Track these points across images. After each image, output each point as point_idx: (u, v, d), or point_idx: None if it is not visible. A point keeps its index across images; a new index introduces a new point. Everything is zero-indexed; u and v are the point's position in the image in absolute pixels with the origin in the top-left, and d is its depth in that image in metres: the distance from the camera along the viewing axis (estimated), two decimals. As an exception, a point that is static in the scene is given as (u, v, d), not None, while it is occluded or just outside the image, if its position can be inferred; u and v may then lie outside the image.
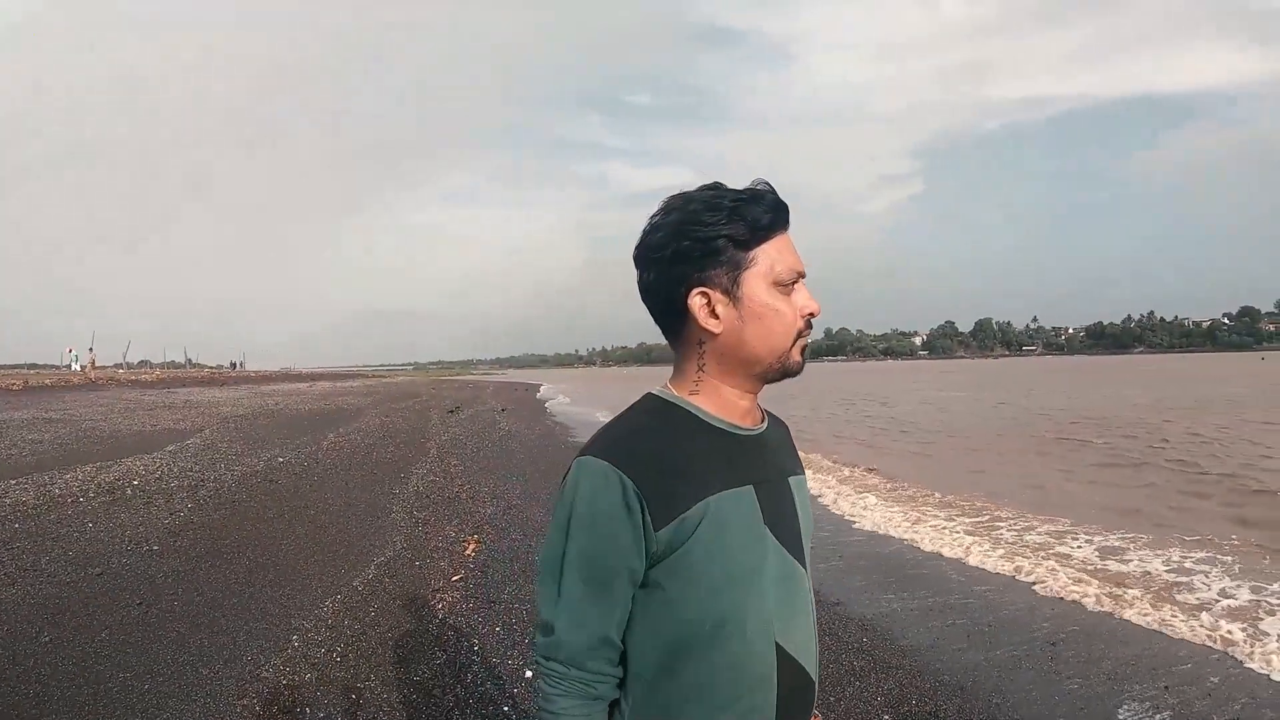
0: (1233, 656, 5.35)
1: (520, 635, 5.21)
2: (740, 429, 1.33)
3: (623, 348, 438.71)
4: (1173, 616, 6.14)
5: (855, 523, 9.79)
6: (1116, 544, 8.68)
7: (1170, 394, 38.92)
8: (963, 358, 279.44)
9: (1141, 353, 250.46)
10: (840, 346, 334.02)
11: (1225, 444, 18.10)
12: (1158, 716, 4.44)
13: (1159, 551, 8.26)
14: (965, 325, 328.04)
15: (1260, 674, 5.05)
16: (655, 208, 1.33)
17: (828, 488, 12.44)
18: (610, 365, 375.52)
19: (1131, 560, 7.93)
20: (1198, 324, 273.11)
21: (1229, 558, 7.98)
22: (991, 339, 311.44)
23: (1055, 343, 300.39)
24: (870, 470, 14.76)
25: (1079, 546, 8.55)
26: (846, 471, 14.67)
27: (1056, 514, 10.31)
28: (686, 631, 1.24)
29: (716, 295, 1.27)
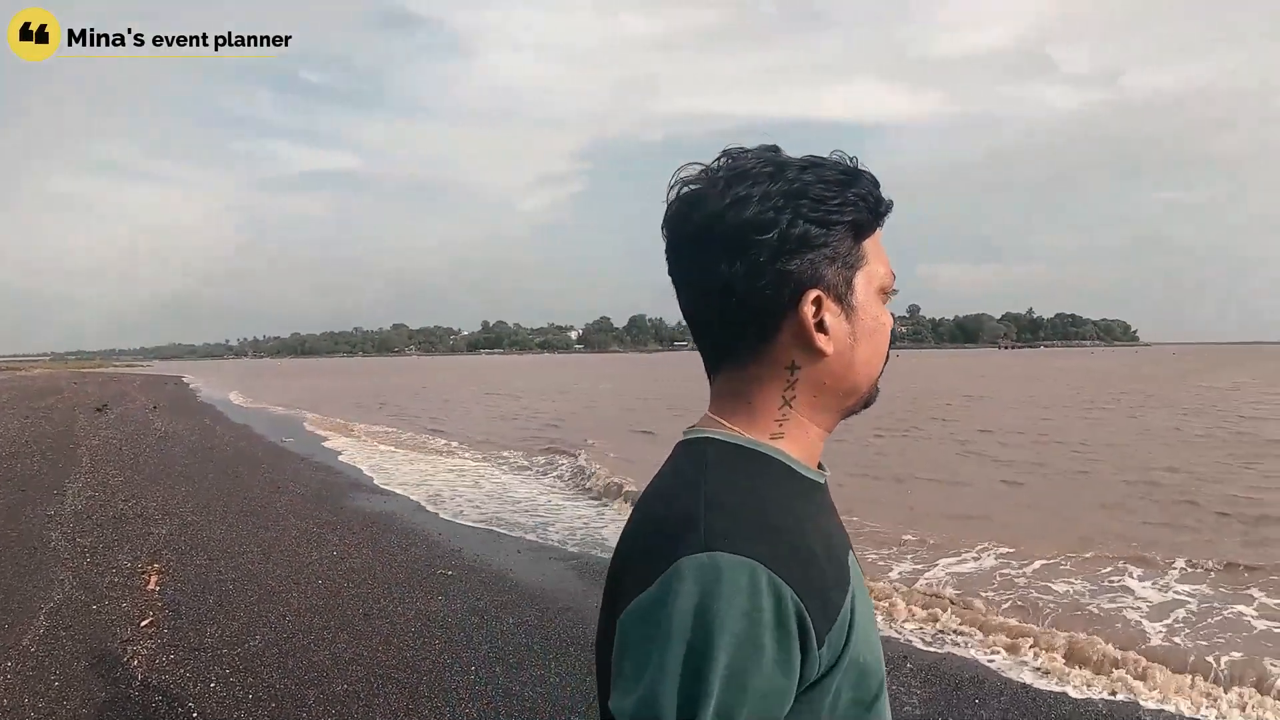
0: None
1: (241, 690, 4.52)
2: (822, 479, 0.98)
3: (276, 338, 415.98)
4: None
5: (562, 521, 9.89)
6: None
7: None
8: (617, 352, 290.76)
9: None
10: (498, 340, 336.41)
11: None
12: (913, 684, 4.78)
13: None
14: (620, 320, 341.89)
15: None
16: (685, 169, 0.94)
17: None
18: (263, 356, 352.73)
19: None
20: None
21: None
22: (645, 334, 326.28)
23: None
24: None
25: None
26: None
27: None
28: None
29: (829, 302, 0.91)
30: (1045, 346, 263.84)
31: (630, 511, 0.98)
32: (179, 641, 5.27)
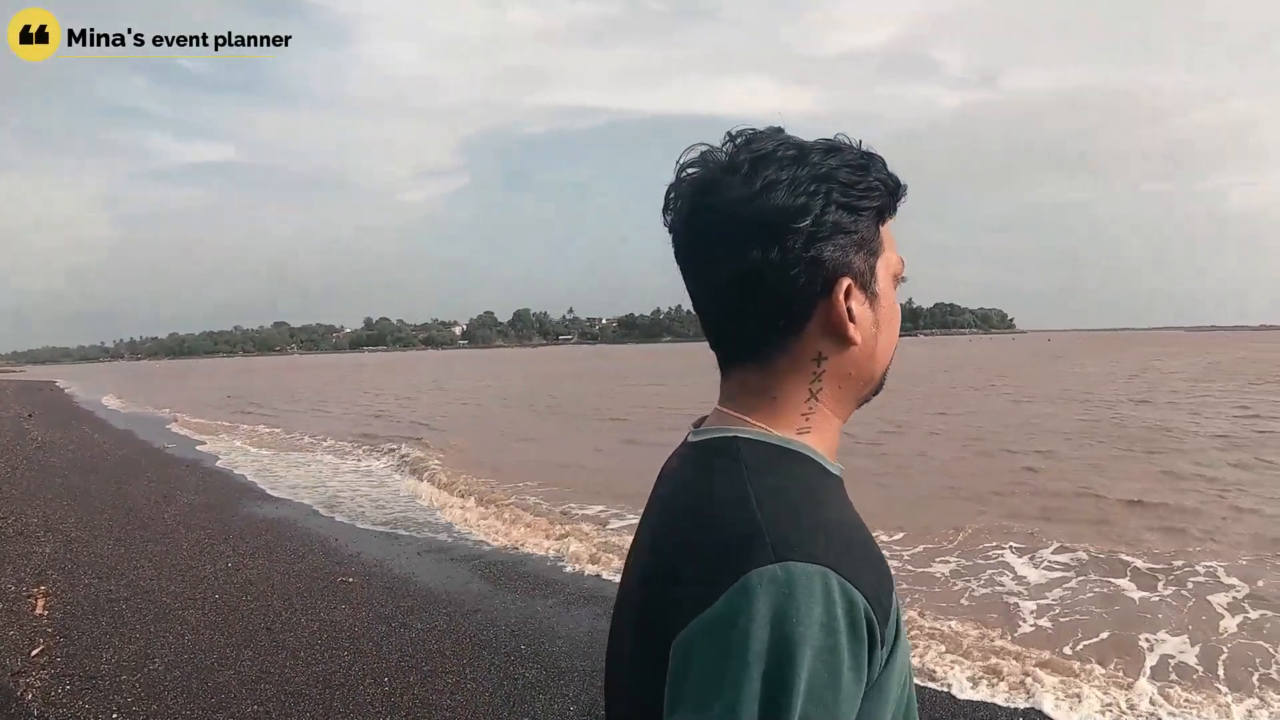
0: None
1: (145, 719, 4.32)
2: (840, 471, 0.92)
3: (153, 339, 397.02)
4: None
5: (453, 524, 9.72)
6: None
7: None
8: (501, 346, 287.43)
9: (669, 342, 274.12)
10: (381, 337, 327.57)
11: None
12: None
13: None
14: (504, 315, 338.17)
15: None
16: (691, 151, 0.89)
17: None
18: (140, 358, 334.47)
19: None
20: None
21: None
22: (529, 328, 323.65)
23: (590, 332, 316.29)
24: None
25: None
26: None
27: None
28: None
29: (856, 290, 0.87)
30: (924, 335, 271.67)
31: (650, 520, 0.93)
32: (74, 670, 4.95)
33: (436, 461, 14.38)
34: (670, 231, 0.91)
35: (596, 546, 8.11)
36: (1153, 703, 4.73)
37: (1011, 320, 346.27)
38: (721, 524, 0.79)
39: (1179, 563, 7.38)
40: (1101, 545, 8.03)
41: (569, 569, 7.44)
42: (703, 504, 0.83)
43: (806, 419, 0.89)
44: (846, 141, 0.89)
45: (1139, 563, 7.44)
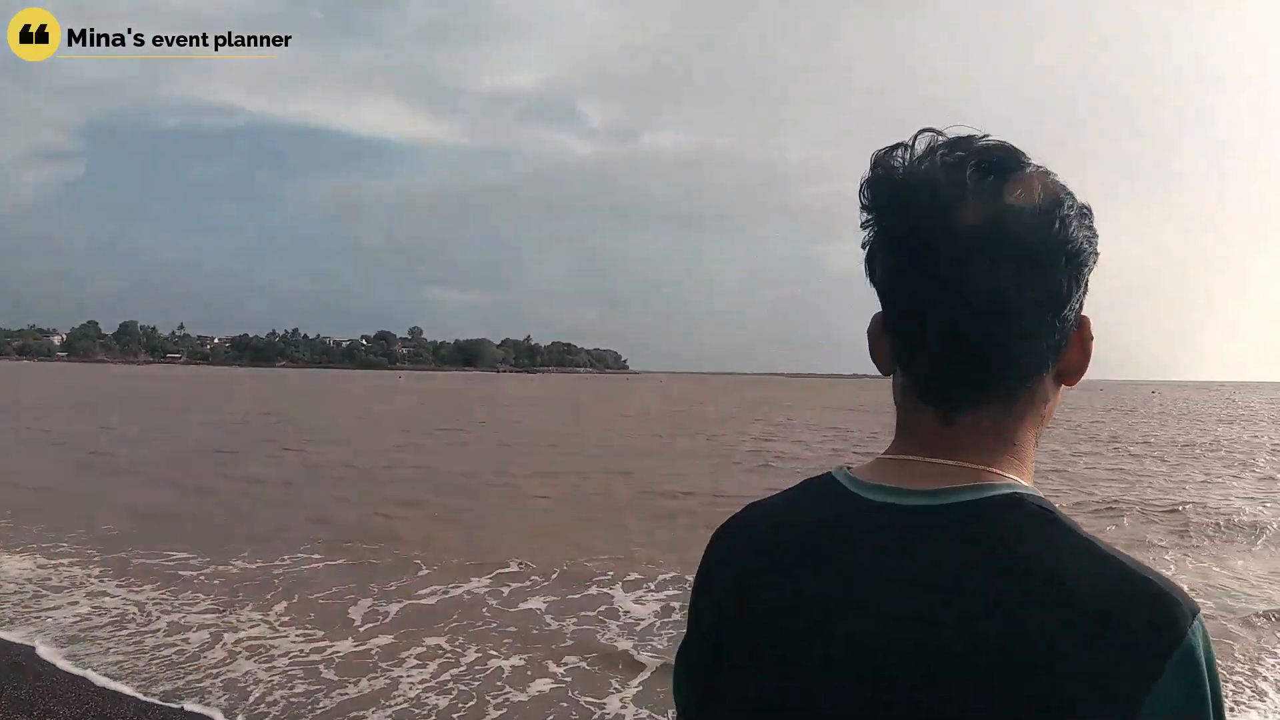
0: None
1: None
2: None
3: None
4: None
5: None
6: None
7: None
8: (104, 361, 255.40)
9: (284, 366, 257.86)
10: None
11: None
12: None
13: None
14: (109, 326, 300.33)
15: None
16: (945, 155, 0.73)
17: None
18: None
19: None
20: (338, 343, 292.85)
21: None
22: (136, 344, 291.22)
23: (201, 351, 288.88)
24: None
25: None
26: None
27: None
28: None
29: None
30: (542, 372, 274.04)
31: (908, 613, 0.69)
32: None
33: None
34: (924, 217, 0.73)
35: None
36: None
37: (625, 361, 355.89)
38: (1109, 593, 0.66)
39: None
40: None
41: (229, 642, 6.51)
42: (1055, 577, 0.67)
43: (1032, 467, 0.79)
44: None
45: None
